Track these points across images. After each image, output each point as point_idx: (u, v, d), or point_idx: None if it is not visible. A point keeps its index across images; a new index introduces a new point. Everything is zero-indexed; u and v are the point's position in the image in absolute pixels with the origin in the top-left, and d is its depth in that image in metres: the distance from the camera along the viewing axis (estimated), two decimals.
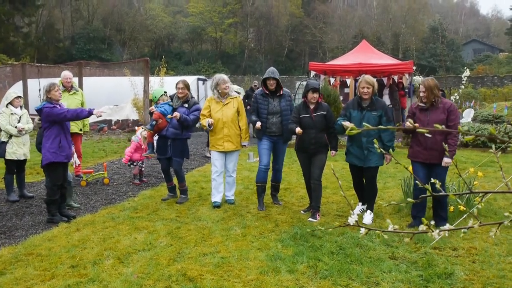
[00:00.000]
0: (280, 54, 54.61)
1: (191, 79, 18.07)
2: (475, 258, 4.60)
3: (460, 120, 15.45)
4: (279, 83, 6.40)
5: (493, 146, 1.46)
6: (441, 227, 1.53)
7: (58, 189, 5.96)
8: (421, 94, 5.53)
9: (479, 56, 53.34)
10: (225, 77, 6.63)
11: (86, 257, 4.62)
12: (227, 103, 6.58)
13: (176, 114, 6.57)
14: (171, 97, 7.02)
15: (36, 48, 43.31)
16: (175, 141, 6.79)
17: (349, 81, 15.19)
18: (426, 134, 1.40)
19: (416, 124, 1.47)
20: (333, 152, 6.05)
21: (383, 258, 4.58)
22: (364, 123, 1.51)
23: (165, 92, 7.16)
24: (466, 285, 3.97)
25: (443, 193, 1.75)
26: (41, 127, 6.72)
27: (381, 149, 1.77)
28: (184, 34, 54.45)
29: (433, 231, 1.45)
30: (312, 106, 5.99)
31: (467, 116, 18.32)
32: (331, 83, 14.53)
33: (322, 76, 15.18)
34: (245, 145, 6.83)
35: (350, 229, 5.38)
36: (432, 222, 1.63)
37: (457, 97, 6.24)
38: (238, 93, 7.89)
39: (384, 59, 15.40)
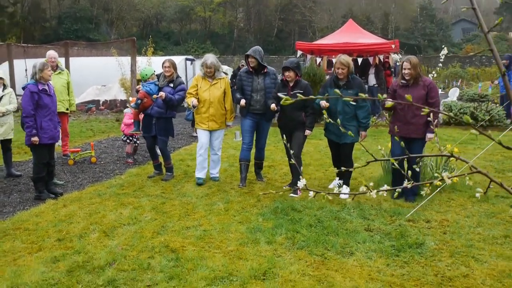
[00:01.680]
0: (270, 33, 54.38)
1: (179, 59, 18.04)
2: (446, 229, 4.81)
3: (446, 99, 15.71)
4: (261, 62, 6.48)
5: (467, 118, 1.60)
6: (380, 188, 1.67)
7: (44, 166, 6.07)
8: (406, 71, 5.66)
9: (468, 36, 53.55)
10: (209, 62, 6.57)
11: (72, 231, 4.77)
12: (214, 83, 6.67)
13: (162, 94, 6.66)
14: (158, 76, 7.11)
15: (22, 28, 42.80)
16: (159, 119, 6.90)
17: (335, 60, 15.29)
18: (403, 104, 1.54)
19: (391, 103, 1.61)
20: (307, 131, 6.13)
21: (358, 230, 4.78)
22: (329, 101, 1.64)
23: (154, 71, 7.23)
24: (435, 254, 4.19)
25: (417, 167, 1.95)
26: None
27: (354, 127, 1.90)
28: (172, 13, 53.87)
29: (371, 191, 1.60)
30: (290, 84, 6.13)
31: (452, 95, 18.54)
32: (318, 63, 14.62)
33: (309, 56, 15.27)
34: (229, 125, 6.99)
35: (329, 203, 5.56)
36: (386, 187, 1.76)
37: (435, 75, 6.36)
38: (226, 73, 7.97)
39: (370, 39, 15.50)
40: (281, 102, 1.59)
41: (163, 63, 6.97)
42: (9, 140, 7.42)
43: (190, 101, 6.61)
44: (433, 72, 6.49)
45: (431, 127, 5.61)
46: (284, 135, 6.40)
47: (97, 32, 46.91)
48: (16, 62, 17.15)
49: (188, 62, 19.85)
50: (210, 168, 7.01)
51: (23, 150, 9.47)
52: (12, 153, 7.64)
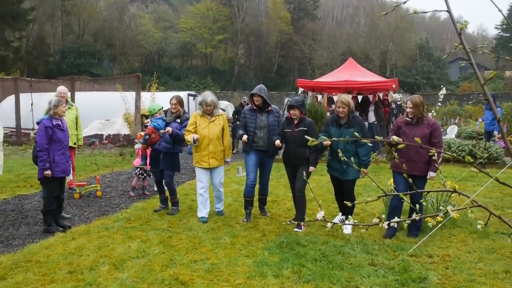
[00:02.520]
0: (270, 70, 55.33)
1: (181, 95, 18.34)
2: (448, 264, 4.93)
3: (444, 137, 15.98)
4: (266, 100, 6.71)
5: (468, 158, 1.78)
6: (391, 220, 1.82)
7: (54, 199, 6.22)
8: (408, 110, 5.91)
9: (465, 74, 54.41)
10: (209, 99, 6.65)
11: (83, 264, 4.87)
12: (213, 120, 6.78)
13: (169, 129, 6.86)
14: (165, 112, 7.32)
15: (26, 62, 43.52)
16: (166, 155, 7.07)
17: (335, 97, 15.62)
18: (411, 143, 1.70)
19: (400, 139, 1.78)
20: (311, 167, 6.30)
21: (363, 265, 4.89)
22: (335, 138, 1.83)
23: (162, 107, 7.44)
24: None
25: (424, 201, 2.10)
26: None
27: (355, 165, 2.07)
28: (174, 49, 54.96)
29: (383, 223, 1.75)
30: (295, 122, 6.35)
31: (451, 132, 18.86)
32: (318, 100, 14.94)
33: (310, 93, 15.60)
34: (227, 162, 7.07)
35: (333, 238, 5.70)
36: (386, 224, 1.91)
37: (434, 114, 6.60)
38: (224, 110, 8.17)
39: (369, 77, 15.88)
40: (308, 143, 1.76)
41: (170, 100, 7.17)
42: None
43: (190, 137, 6.64)
44: (433, 111, 6.72)
45: (435, 165, 5.79)
46: (287, 170, 6.63)
47: (100, 67, 47.77)
48: (22, 95, 17.47)
49: (191, 98, 20.22)
50: (214, 203, 7.13)
51: (29, 183, 9.61)
52: None
